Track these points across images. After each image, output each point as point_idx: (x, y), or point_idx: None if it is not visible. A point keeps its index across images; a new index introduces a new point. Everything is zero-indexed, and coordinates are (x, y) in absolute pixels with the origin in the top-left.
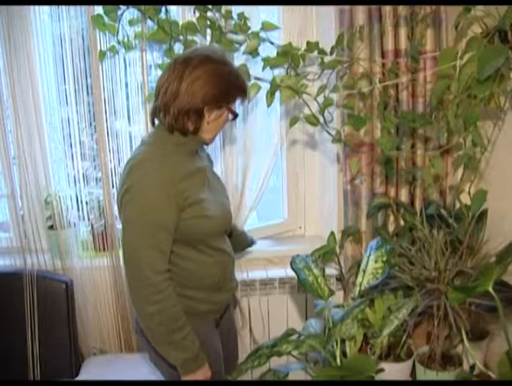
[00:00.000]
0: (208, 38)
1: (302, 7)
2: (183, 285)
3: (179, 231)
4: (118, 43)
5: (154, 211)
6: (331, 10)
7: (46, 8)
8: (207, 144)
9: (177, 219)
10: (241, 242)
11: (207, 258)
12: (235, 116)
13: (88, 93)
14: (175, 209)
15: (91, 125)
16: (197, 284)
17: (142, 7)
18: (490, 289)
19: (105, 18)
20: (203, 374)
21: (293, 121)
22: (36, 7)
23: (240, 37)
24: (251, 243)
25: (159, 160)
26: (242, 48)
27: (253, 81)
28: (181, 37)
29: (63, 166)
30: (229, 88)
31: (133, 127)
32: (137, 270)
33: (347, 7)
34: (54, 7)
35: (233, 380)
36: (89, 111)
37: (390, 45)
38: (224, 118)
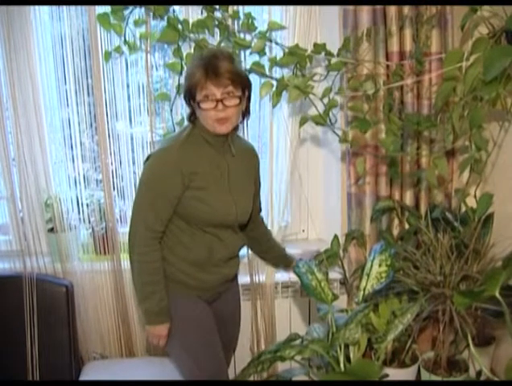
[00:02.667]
0: (217, 37)
1: (306, 8)
2: (175, 254)
3: (181, 206)
4: (125, 43)
5: (160, 181)
6: (335, 11)
7: (46, 8)
8: (220, 135)
9: (180, 194)
10: (279, 261)
11: (198, 237)
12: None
13: (88, 94)
14: (181, 185)
15: (92, 126)
16: (185, 256)
17: (152, 7)
18: (497, 294)
19: (111, 18)
20: (159, 330)
21: (302, 121)
22: (36, 6)
23: (247, 37)
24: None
25: (181, 142)
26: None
27: (265, 80)
28: (191, 35)
29: (63, 167)
30: (186, 83)
31: (134, 129)
32: (135, 223)
33: (351, 8)
34: (54, 7)
35: (233, 380)
36: (90, 112)
37: (395, 47)
38: (205, 107)
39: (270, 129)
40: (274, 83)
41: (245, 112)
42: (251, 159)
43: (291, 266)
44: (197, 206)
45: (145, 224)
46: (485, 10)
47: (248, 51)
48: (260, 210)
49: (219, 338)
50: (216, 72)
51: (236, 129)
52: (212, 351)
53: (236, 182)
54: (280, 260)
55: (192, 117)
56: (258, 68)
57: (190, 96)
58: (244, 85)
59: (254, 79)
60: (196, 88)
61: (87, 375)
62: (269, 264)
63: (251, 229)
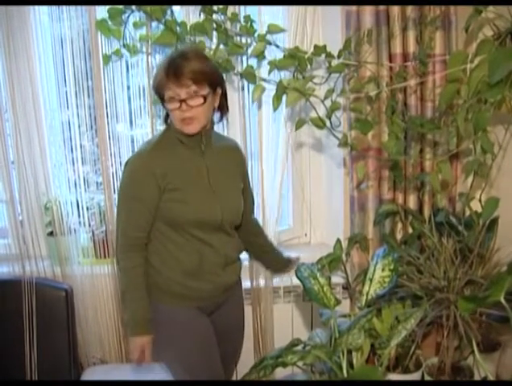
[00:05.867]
0: (215, 40)
1: (308, 9)
2: (163, 263)
3: (160, 211)
4: (124, 46)
5: (135, 185)
6: (337, 13)
7: (45, 9)
8: (189, 135)
9: (157, 198)
10: (275, 263)
11: (185, 243)
12: (178, 106)
13: (89, 96)
14: (156, 187)
15: (92, 128)
16: (173, 265)
17: (149, 9)
18: (502, 300)
19: (110, 23)
20: (139, 342)
21: (299, 124)
22: (36, 7)
23: (246, 40)
24: (286, 265)
25: (153, 145)
26: (249, 51)
27: (257, 83)
28: (189, 38)
29: (63, 170)
30: (153, 84)
31: (135, 131)
32: (116, 229)
33: (354, 10)
34: (54, 8)
35: (232, 380)
36: (90, 114)
37: (398, 48)
38: (170, 108)
39: (273, 132)
40: (272, 87)
41: (223, 109)
42: (234, 156)
43: (289, 266)
44: (177, 207)
45: (123, 230)
46: (490, 12)
47: (247, 55)
48: (252, 211)
49: (218, 350)
50: (176, 73)
51: (212, 126)
52: (208, 362)
53: (218, 181)
54: (277, 261)
55: (168, 119)
56: (249, 75)
57: (159, 96)
58: (213, 83)
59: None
60: (161, 89)
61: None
62: (267, 267)
63: (244, 231)
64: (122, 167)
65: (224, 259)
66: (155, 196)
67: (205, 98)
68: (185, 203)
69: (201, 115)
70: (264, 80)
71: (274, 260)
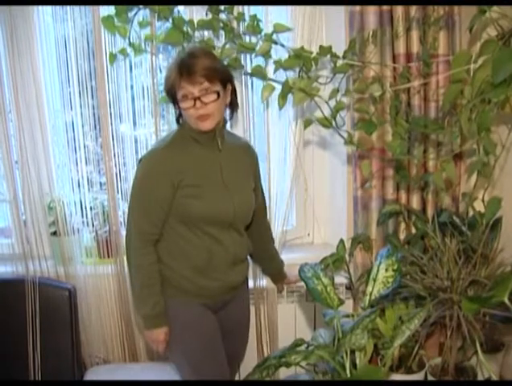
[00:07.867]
0: (222, 39)
1: (312, 9)
2: (173, 258)
3: (175, 207)
4: (130, 45)
5: (148, 182)
6: (341, 13)
7: (49, 9)
8: (204, 133)
9: (171, 195)
10: (270, 268)
11: (196, 239)
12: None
13: (92, 96)
14: (169, 184)
15: (95, 128)
16: (183, 260)
17: (156, 7)
18: (506, 300)
19: (115, 20)
20: (157, 334)
21: (307, 123)
22: (40, 8)
23: (252, 39)
24: (278, 273)
25: (167, 143)
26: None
27: (267, 82)
28: (196, 34)
29: (66, 170)
30: (165, 85)
31: (138, 131)
32: (128, 226)
33: (357, 10)
34: (58, 8)
35: (235, 380)
36: (94, 114)
37: (401, 49)
38: (184, 107)
39: (277, 131)
40: (277, 86)
41: (233, 105)
42: (246, 156)
43: (281, 282)
44: (192, 202)
45: (137, 227)
46: (494, 12)
47: (253, 54)
48: (265, 214)
49: (223, 347)
50: (189, 71)
51: (224, 123)
52: (214, 359)
53: (231, 178)
54: (275, 272)
55: (180, 119)
56: (258, 73)
57: (171, 96)
58: (224, 79)
59: (258, 82)
60: (174, 89)
61: (89, 380)
62: (262, 271)
63: (254, 233)
64: (125, 167)
65: (233, 258)
66: (169, 194)
67: (218, 94)
68: (199, 199)
69: (216, 111)
70: (270, 79)
71: (273, 268)
